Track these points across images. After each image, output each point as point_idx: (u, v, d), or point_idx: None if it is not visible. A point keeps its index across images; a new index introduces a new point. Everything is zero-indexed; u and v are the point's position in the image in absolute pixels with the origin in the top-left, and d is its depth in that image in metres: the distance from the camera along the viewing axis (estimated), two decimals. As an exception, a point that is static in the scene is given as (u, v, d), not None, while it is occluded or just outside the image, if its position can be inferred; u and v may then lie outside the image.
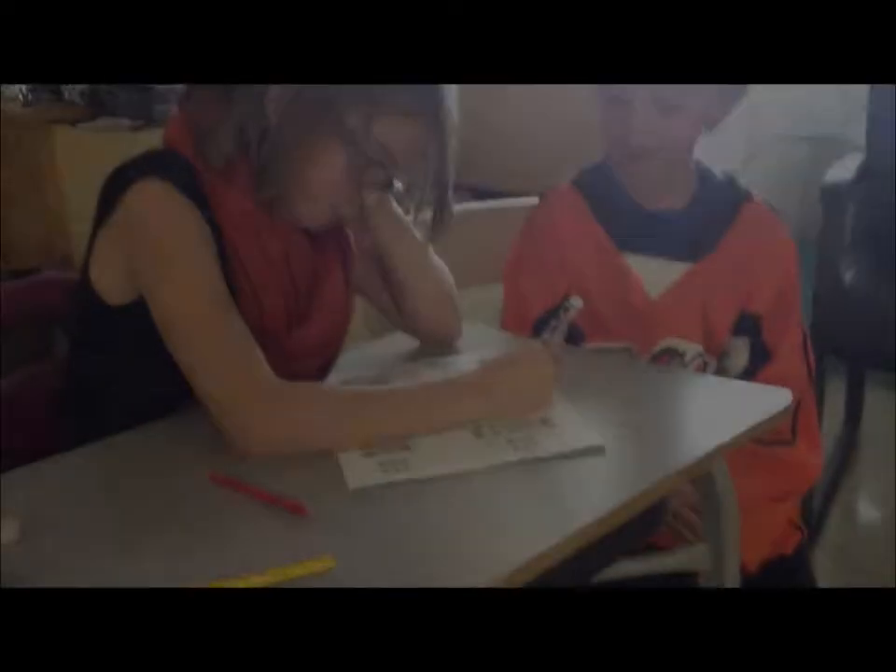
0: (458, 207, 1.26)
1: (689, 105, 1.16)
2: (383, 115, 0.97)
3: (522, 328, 1.33)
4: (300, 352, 1.00)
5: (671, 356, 1.25)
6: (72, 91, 2.85)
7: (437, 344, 1.19)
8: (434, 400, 0.94)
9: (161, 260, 0.94)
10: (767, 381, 1.14)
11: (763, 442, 1.16)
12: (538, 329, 1.31)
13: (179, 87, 1.05)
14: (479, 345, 1.19)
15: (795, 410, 1.15)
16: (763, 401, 1.01)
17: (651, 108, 1.15)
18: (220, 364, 0.91)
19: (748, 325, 1.24)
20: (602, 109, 1.20)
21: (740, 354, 1.24)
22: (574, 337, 1.27)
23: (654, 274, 1.25)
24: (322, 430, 0.91)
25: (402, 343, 1.20)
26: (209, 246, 0.96)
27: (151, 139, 1.02)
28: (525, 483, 0.86)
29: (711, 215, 1.25)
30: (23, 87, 2.99)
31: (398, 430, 0.92)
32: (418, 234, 1.14)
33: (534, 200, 1.72)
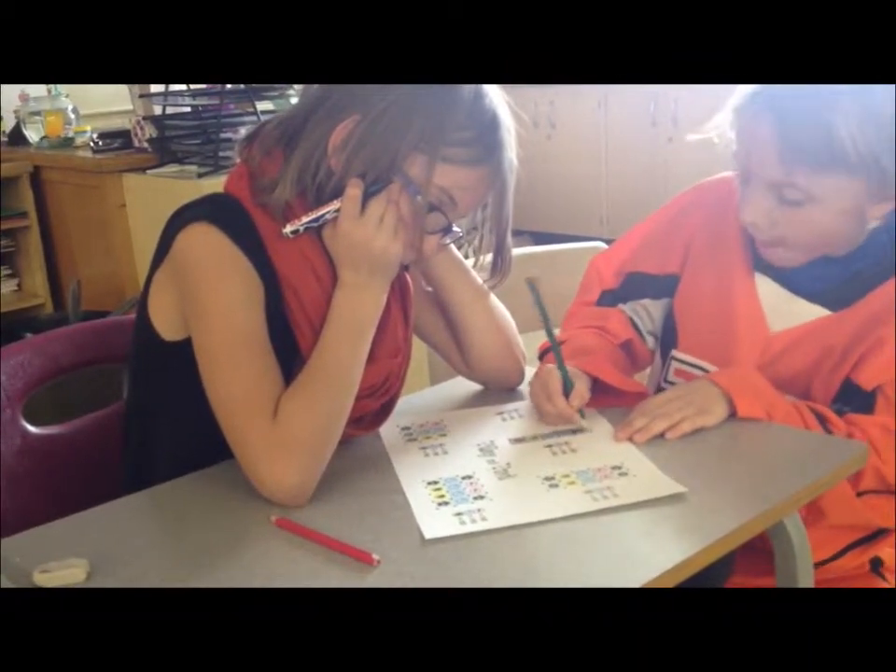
0: (518, 251, 1.26)
1: (823, 197, 1.01)
2: (444, 163, 0.98)
3: (606, 272, 1.25)
4: (360, 392, 1.00)
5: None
6: (141, 139, 2.94)
7: (499, 388, 1.19)
8: (342, 325, 0.97)
9: (197, 300, 0.96)
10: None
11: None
12: (630, 283, 1.23)
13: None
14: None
15: None
16: (837, 452, 0.99)
17: (769, 197, 1.04)
18: (234, 413, 0.93)
19: (853, 397, 1.06)
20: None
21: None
22: (667, 335, 1.22)
23: (780, 307, 1.12)
24: (317, 434, 0.93)
25: (463, 387, 1.19)
26: (250, 291, 0.97)
27: (217, 185, 1.04)
28: (599, 533, 0.85)
29: (866, 269, 1.08)
30: (94, 134, 3.09)
31: (352, 370, 0.97)
32: (479, 278, 1.15)
33: (593, 244, 1.71)
